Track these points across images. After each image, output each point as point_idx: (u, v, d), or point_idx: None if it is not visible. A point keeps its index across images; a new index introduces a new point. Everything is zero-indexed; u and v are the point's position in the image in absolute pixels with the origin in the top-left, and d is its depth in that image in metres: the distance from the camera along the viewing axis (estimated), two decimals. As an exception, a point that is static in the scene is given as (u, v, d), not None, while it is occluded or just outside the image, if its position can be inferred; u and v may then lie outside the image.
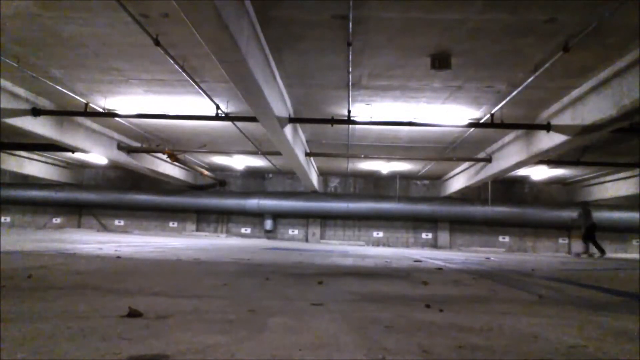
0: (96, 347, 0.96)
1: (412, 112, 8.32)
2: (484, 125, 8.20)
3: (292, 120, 8.02)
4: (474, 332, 1.25)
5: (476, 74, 6.41)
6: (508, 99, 6.90)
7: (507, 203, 14.78)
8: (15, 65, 6.54)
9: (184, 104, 8.42)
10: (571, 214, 14.31)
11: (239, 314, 1.40)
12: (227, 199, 15.21)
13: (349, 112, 7.87)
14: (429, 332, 1.23)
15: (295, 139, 9.26)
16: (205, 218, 16.45)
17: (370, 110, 8.28)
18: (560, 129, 7.31)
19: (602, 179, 13.79)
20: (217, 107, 8.00)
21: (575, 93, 6.83)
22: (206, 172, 14.35)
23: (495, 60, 5.91)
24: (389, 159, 12.07)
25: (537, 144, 8.24)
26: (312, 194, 15.29)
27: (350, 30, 5.01)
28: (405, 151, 11.47)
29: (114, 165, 14.50)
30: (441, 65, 5.89)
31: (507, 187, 15.64)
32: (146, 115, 8.65)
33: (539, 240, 15.72)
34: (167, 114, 8.63)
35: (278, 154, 9.75)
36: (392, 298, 1.92)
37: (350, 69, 6.09)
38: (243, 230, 16.37)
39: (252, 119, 7.56)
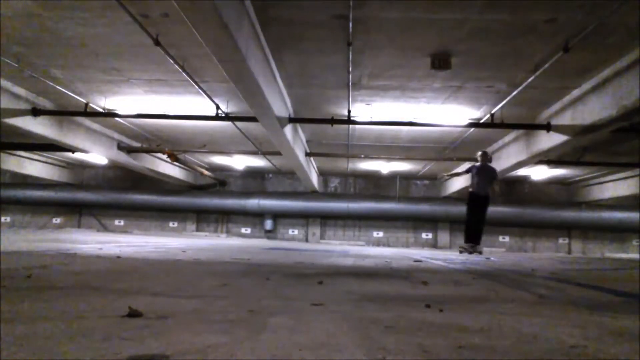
0: (96, 347, 0.96)
1: (412, 112, 8.32)
2: (484, 125, 8.20)
3: (292, 120, 8.03)
4: (474, 332, 1.25)
5: (476, 74, 6.41)
6: (508, 99, 6.90)
7: (507, 203, 14.78)
8: (15, 65, 6.54)
9: (184, 104, 8.43)
10: (571, 214, 14.32)
11: (239, 314, 1.40)
12: (227, 199, 15.21)
13: (349, 112, 7.87)
14: (429, 332, 1.23)
15: (295, 139, 9.27)
16: (205, 218, 16.46)
17: (370, 110, 8.28)
18: (560, 129, 7.31)
19: (602, 179, 13.79)
20: (217, 107, 8.00)
21: (575, 93, 6.83)
22: (206, 172, 14.36)
23: (495, 60, 5.91)
24: (389, 159, 12.07)
25: (537, 144, 8.24)
26: (312, 194, 15.30)
27: (351, 30, 5.01)
28: (405, 151, 11.47)
29: (114, 165, 14.51)
30: (441, 65, 5.89)
31: (507, 187, 15.65)
32: (146, 115, 8.65)
33: (539, 240, 15.73)
34: (167, 114, 8.63)
35: (278, 154, 9.75)
36: (392, 298, 1.92)
37: (350, 69, 6.09)
38: (243, 230, 16.38)
39: (252, 119, 7.56)
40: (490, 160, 8.68)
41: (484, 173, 8.39)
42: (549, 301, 2.02)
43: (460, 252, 8.80)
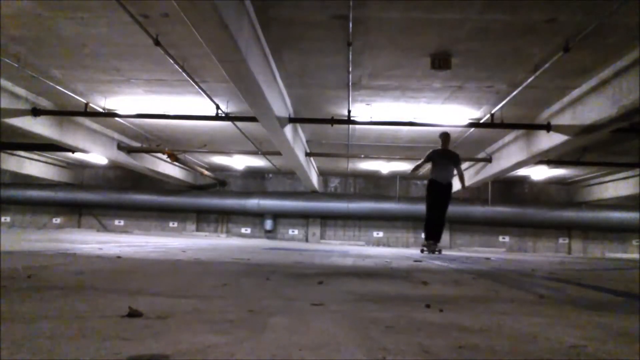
0: (96, 347, 0.96)
1: (412, 112, 8.33)
2: (484, 125, 8.21)
3: (292, 120, 8.03)
4: (474, 332, 1.25)
5: (476, 74, 6.41)
6: (508, 99, 6.90)
7: (507, 203, 14.79)
8: (15, 65, 6.54)
9: (184, 104, 8.43)
10: (571, 214, 14.32)
11: (239, 314, 1.40)
12: (227, 199, 15.22)
13: (349, 112, 7.87)
14: (429, 332, 1.23)
15: (295, 139, 9.27)
16: (205, 218, 16.46)
17: (370, 110, 8.29)
18: (560, 129, 7.31)
19: (602, 179, 13.80)
20: (217, 107, 8.01)
21: (575, 93, 6.84)
22: (206, 172, 14.36)
23: (495, 60, 5.91)
24: (389, 159, 12.07)
25: (537, 144, 8.24)
26: (312, 194, 15.30)
27: (351, 30, 5.02)
28: (406, 151, 11.47)
29: (114, 165, 14.51)
30: (441, 65, 5.90)
31: (507, 187, 15.65)
32: (146, 115, 8.65)
33: (539, 240, 15.73)
34: (167, 114, 8.63)
35: (278, 154, 9.76)
36: (392, 298, 1.92)
37: (350, 69, 6.10)
38: (243, 230, 16.39)
39: (252, 119, 7.57)
40: (449, 137, 7.66)
41: (445, 158, 7.56)
42: (549, 301, 2.02)
43: (422, 251, 8.05)
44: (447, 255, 7.50)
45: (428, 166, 8.00)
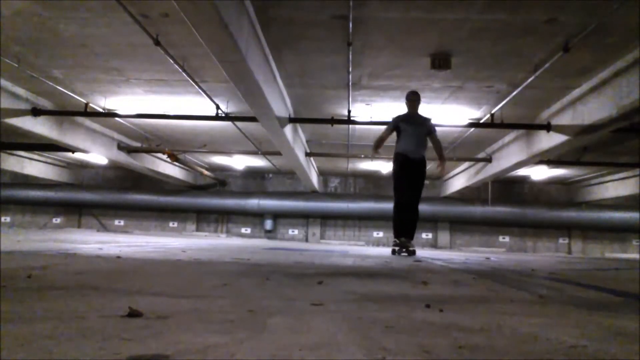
0: (96, 347, 0.96)
1: (412, 112, 8.31)
2: (484, 125, 8.21)
3: (292, 120, 8.04)
4: (474, 332, 1.24)
5: (476, 74, 6.41)
6: (508, 99, 6.91)
7: (507, 203, 14.79)
8: (16, 65, 6.55)
9: (184, 104, 8.43)
10: (571, 214, 14.33)
11: (239, 314, 1.40)
12: (227, 199, 15.23)
13: (349, 112, 7.88)
14: (429, 332, 1.23)
15: (295, 139, 9.27)
16: (205, 218, 16.46)
17: (370, 110, 8.29)
18: (560, 129, 7.31)
19: (602, 179, 13.80)
20: (217, 107, 8.01)
21: (575, 93, 6.84)
22: (206, 172, 14.36)
23: (495, 60, 5.91)
24: (389, 158, 12.07)
25: (537, 144, 8.24)
26: (312, 194, 15.30)
27: (351, 30, 5.02)
28: (405, 151, 11.45)
29: (114, 165, 14.50)
30: (441, 65, 5.89)
31: (507, 187, 15.65)
32: (146, 115, 8.65)
33: (539, 240, 15.74)
34: (167, 114, 8.64)
35: (278, 154, 9.76)
36: (392, 298, 1.92)
37: (350, 69, 6.10)
38: (243, 230, 16.39)
39: (252, 119, 7.57)
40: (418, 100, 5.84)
41: (415, 125, 5.84)
42: (549, 301, 2.02)
43: (393, 252, 6.09)
44: (421, 257, 6.06)
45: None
